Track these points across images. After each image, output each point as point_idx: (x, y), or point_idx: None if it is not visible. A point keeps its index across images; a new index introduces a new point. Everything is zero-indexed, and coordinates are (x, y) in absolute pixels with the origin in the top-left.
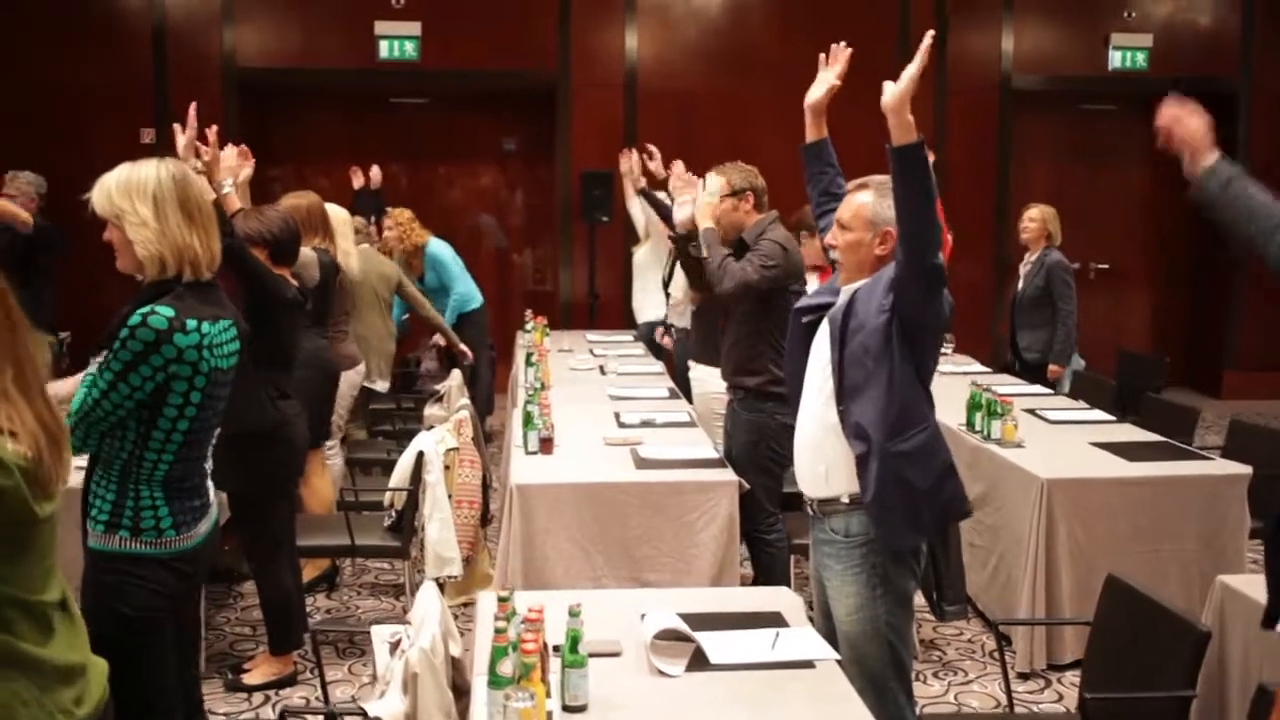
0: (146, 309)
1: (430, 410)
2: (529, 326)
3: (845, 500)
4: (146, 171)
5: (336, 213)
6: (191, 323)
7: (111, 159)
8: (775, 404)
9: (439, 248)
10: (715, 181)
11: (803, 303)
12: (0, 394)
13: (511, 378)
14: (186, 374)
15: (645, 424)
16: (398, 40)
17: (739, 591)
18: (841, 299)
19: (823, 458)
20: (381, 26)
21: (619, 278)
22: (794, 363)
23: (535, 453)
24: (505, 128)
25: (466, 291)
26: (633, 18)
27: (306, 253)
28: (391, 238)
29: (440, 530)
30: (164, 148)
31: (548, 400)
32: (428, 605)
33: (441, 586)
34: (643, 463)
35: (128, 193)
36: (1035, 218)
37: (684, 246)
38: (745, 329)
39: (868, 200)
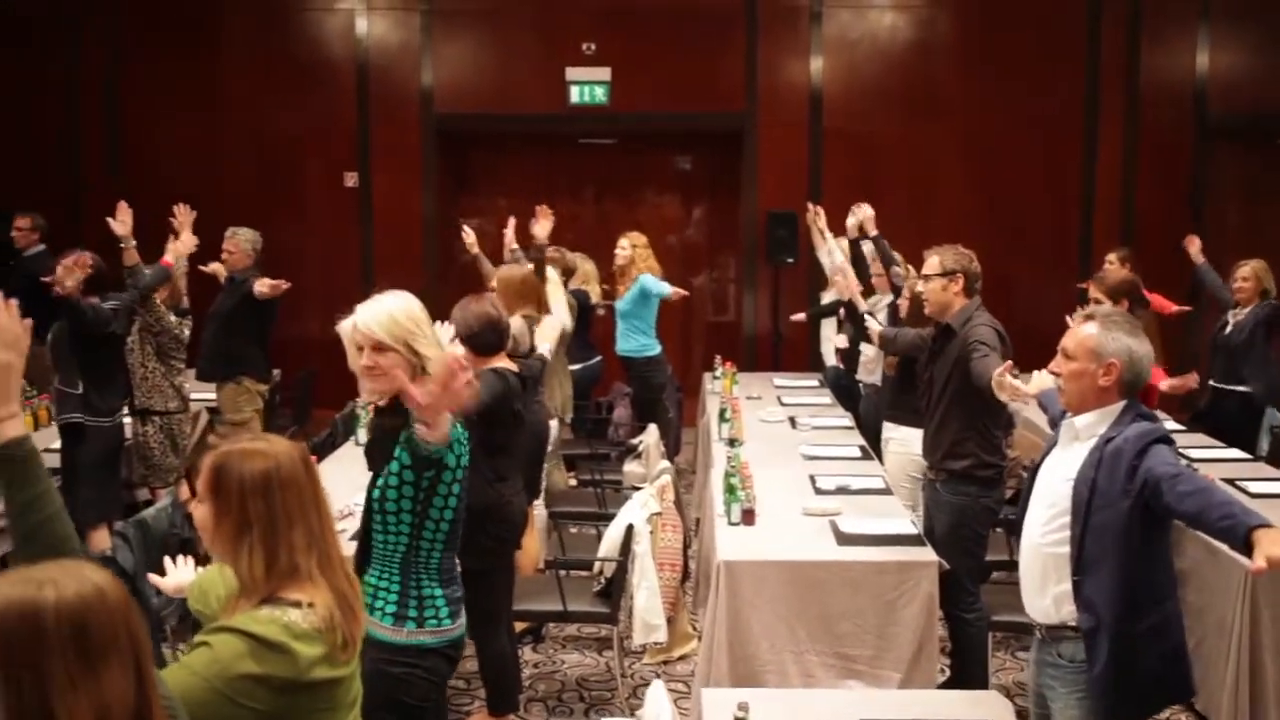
0: None
1: (629, 467)
2: (718, 373)
3: (1073, 625)
4: (407, 300)
5: (548, 274)
6: (460, 423)
7: (318, 202)
8: (980, 488)
9: (654, 281)
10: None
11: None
12: (305, 575)
13: (702, 426)
14: (452, 465)
15: (841, 490)
16: (588, 86)
17: (951, 696)
18: (1085, 462)
19: (1049, 590)
20: (573, 73)
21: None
22: (1022, 503)
23: (738, 524)
24: (691, 167)
25: (651, 338)
26: (819, 59)
27: (518, 323)
28: (624, 258)
29: (648, 599)
30: (366, 190)
31: (749, 470)
32: (659, 707)
33: (643, 648)
34: (844, 538)
35: (412, 318)
36: (1248, 276)
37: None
38: (955, 412)
39: (1093, 332)
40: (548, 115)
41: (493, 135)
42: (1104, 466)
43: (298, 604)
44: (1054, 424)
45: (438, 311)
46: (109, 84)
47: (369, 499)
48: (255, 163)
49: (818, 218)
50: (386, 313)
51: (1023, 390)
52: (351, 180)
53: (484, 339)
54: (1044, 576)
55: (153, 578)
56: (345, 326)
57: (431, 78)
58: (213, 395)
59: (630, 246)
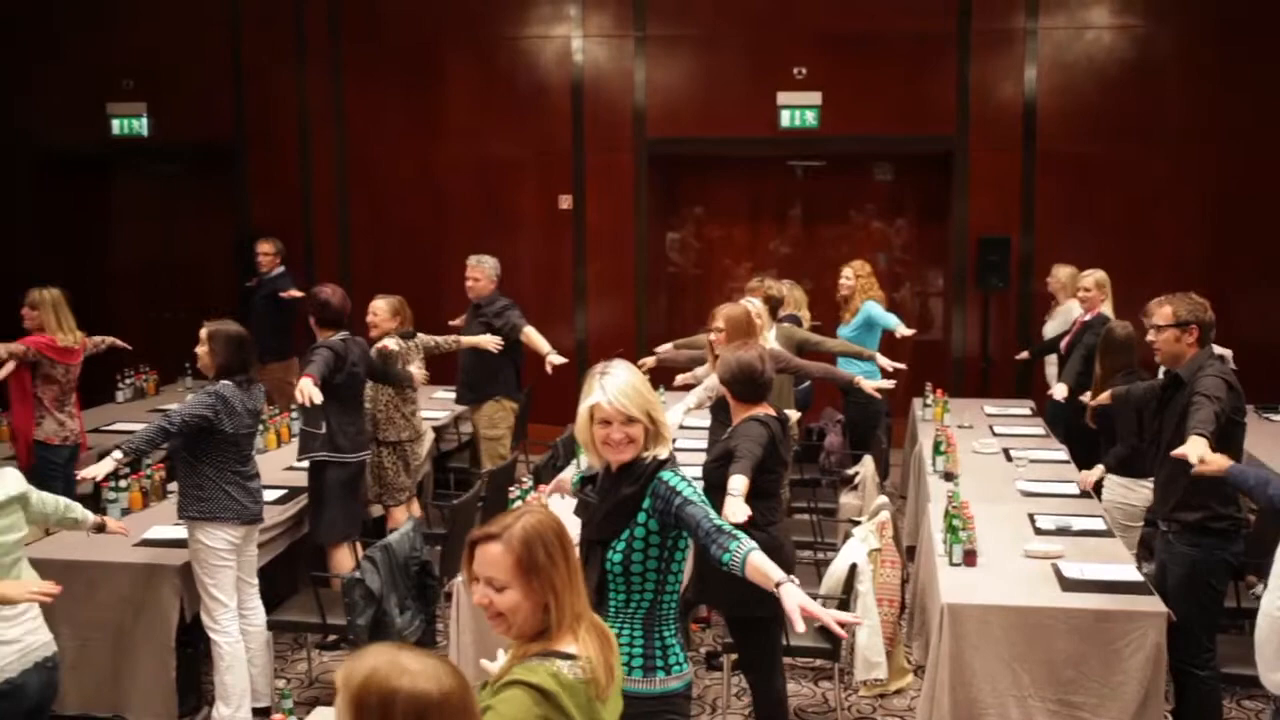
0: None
1: (845, 499)
2: (929, 400)
3: None
4: (636, 370)
5: (758, 307)
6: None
7: (533, 225)
8: (1215, 539)
9: (879, 310)
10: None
11: None
12: (579, 625)
13: (914, 454)
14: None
15: (1061, 531)
16: (799, 110)
17: None
18: None
19: None
20: (784, 97)
21: (1012, 343)
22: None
23: (959, 564)
24: (900, 189)
25: (873, 365)
26: (1033, 80)
27: None
28: (847, 287)
29: (869, 636)
30: (579, 213)
31: (970, 510)
32: None
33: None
34: (1067, 584)
35: (648, 388)
36: None
37: None
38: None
39: None
40: (758, 138)
41: (703, 158)
42: None
43: (567, 656)
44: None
45: (649, 329)
46: (337, 116)
47: (604, 560)
48: (474, 188)
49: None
50: (633, 387)
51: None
52: (565, 203)
53: (744, 388)
54: None
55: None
56: (590, 402)
57: (644, 102)
58: (440, 414)
59: (854, 276)
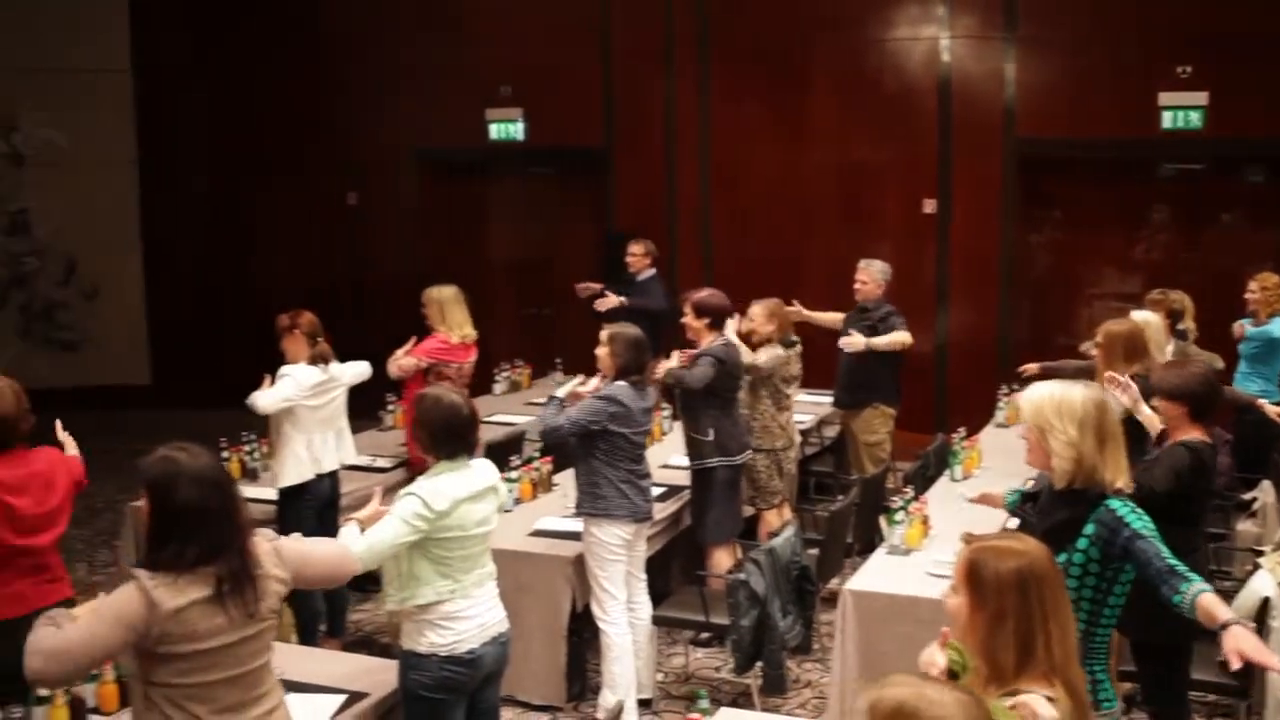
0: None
1: (1242, 526)
2: None
3: None
4: (1075, 393)
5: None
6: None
7: (895, 229)
8: None
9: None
10: None
11: None
12: (1051, 668)
13: None
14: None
15: None
16: (1182, 111)
17: None
18: None
19: None
20: (1166, 97)
21: None
22: None
23: None
24: None
25: (1273, 385)
26: None
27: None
28: (1254, 300)
29: None
30: (944, 216)
31: None
32: None
33: None
34: None
35: (1059, 412)
36: None
37: None
38: None
39: None
40: (1135, 140)
41: (1074, 161)
42: None
43: (1043, 698)
44: None
45: (1012, 335)
46: (702, 120)
47: None
48: (835, 191)
49: None
50: (1040, 397)
51: None
52: (930, 207)
53: (1200, 404)
54: None
55: None
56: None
57: (1014, 103)
58: (804, 417)
59: (1259, 288)
